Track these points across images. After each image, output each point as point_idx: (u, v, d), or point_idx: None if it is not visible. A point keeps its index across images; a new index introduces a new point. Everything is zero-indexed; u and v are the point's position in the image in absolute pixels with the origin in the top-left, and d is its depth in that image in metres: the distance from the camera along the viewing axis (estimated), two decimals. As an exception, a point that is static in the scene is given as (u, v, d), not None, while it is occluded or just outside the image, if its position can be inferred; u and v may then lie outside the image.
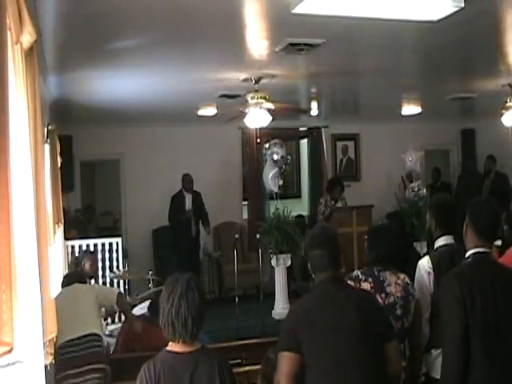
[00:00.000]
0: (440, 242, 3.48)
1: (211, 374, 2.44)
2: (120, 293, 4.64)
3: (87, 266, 5.48)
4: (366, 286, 3.38)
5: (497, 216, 2.89)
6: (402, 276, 3.50)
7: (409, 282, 3.49)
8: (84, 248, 7.27)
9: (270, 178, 8.12)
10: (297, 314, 2.75)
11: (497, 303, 2.61)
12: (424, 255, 3.67)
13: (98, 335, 4.33)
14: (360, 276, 3.44)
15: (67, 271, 5.08)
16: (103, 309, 4.88)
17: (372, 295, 3.23)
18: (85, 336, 4.22)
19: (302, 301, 2.99)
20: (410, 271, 3.58)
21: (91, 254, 6.46)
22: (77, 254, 6.58)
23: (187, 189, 8.69)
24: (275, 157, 8.12)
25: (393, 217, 5.95)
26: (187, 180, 8.68)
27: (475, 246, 2.75)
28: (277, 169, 8.14)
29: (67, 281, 4.74)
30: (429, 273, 3.36)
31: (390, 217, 5.96)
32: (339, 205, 8.67)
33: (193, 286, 2.47)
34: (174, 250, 8.59)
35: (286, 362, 2.57)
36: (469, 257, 2.76)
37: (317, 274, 2.81)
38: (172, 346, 2.48)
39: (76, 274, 4.94)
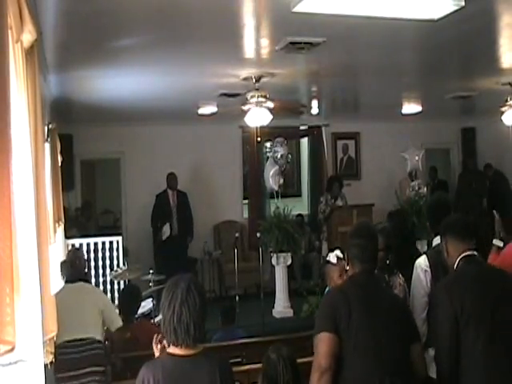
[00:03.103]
0: (436, 240, 3.48)
1: (212, 377, 2.42)
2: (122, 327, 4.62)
3: (79, 261, 5.47)
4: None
5: (470, 223, 2.99)
6: (400, 275, 3.56)
7: (404, 280, 3.56)
8: (84, 247, 7.28)
9: (271, 176, 8.14)
10: (335, 298, 2.77)
11: (489, 303, 2.64)
12: (422, 254, 3.68)
13: (97, 340, 4.33)
14: None
15: (66, 275, 5.03)
16: None
17: (400, 297, 3.31)
18: (85, 339, 4.21)
19: (340, 287, 2.99)
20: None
21: (77, 250, 6.48)
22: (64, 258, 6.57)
23: (171, 187, 8.75)
24: (277, 155, 8.15)
25: (394, 216, 5.94)
26: (171, 178, 8.75)
27: (460, 253, 2.80)
28: (277, 166, 8.16)
29: (71, 277, 4.69)
30: (425, 271, 3.37)
31: (392, 216, 5.95)
32: (339, 203, 8.69)
33: (193, 289, 2.42)
34: (158, 251, 8.62)
35: (324, 342, 2.60)
36: (458, 264, 2.80)
37: (355, 264, 2.82)
38: (173, 349, 2.45)
39: (78, 272, 4.88)
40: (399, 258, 3.66)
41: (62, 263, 5.23)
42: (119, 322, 4.62)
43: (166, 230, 8.53)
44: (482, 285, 2.71)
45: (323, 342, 2.60)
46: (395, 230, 5.44)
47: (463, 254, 2.79)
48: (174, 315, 2.38)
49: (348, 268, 2.90)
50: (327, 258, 4.05)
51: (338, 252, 3.98)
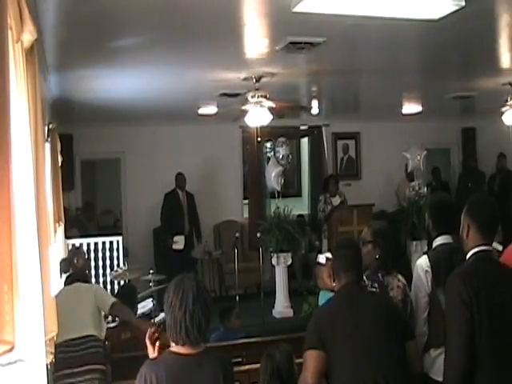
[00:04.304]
0: (438, 241, 3.46)
1: (216, 376, 2.44)
2: (115, 302, 4.63)
3: (80, 261, 5.47)
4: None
5: (496, 212, 2.86)
6: (400, 277, 3.54)
7: (405, 283, 3.53)
8: (84, 247, 7.29)
9: (274, 177, 8.16)
10: (321, 315, 2.90)
11: (503, 301, 2.60)
12: (423, 254, 3.66)
13: (96, 337, 4.33)
14: (366, 282, 3.45)
15: (65, 272, 5.05)
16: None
17: (389, 297, 3.34)
18: (83, 337, 4.22)
19: (328, 303, 3.09)
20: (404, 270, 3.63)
21: (78, 249, 6.48)
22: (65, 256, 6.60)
23: (181, 187, 8.75)
24: (279, 155, 8.17)
25: (378, 217, 5.96)
26: (181, 179, 8.76)
27: (477, 245, 2.70)
28: (280, 167, 8.18)
29: (69, 280, 4.74)
30: (426, 271, 3.35)
31: (376, 217, 5.97)
32: (338, 200, 8.71)
33: (201, 287, 2.45)
34: (166, 250, 8.62)
35: (311, 359, 2.70)
36: (470, 257, 2.73)
37: (341, 276, 2.95)
38: (177, 348, 2.44)
39: (76, 273, 4.93)
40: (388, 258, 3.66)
41: (62, 261, 5.24)
42: (111, 299, 4.61)
43: (180, 242, 8.49)
44: (498, 283, 2.64)
45: (310, 360, 2.70)
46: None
47: (479, 248, 2.71)
48: (187, 314, 2.37)
49: (335, 284, 2.99)
50: (317, 260, 4.10)
51: (328, 254, 4.02)
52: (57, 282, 4.57)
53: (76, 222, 8.39)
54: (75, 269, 5.18)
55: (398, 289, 3.44)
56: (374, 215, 6.20)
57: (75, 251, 6.01)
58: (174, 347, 2.46)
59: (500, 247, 3.89)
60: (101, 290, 4.88)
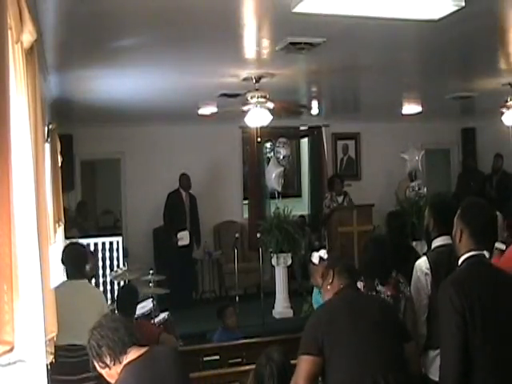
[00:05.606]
0: (437, 242, 3.44)
1: (173, 361, 2.59)
2: None
3: (87, 267, 5.33)
4: (358, 285, 3.31)
5: (494, 217, 2.83)
6: (393, 274, 3.52)
7: (400, 280, 3.51)
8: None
9: (274, 177, 8.18)
10: (319, 318, 2.86)
11: (497, 305, 2.59)
12: (422, 255, 3.64)
13: None
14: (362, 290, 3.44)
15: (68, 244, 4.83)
16: None
17: (387, 300, 3.34)
18: (82, 345, 4.14)
19: (325, 305, 3.07)
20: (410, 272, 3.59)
21: (92, 254, 6.43)
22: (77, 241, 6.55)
23: (185, 188, 8.75)
24: (280, 156, 8.18)
25: (394, 217, 5.95)
26: (185, 179, 8.76)
27: (470, 250, 2.67)
28: (282, 168, 8.20)
29: (71, 269, 4.44)
30: (426, 274, 3.33)
31: (392, 217, 5.96)
32: (344, 199, 8.73)
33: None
34: (170, 248, 8.62)
35: (305, 364, 2.68)
36: (462, 262, 2.69)
37: (341, 279, 2.95)
38: (128, 358, 2.49)
39: (79, 267, 4.67)
40: (396, 259, 3.66)
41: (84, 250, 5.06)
42: None
43: (184, 238, 8.51)
44: (491, 286, 2.62)
45: (304, 365, 2.69)
46: (395, 231, 5.48)
47: (472, 253, 2.70)
48: (114, 329, 2.57)
49: (331, 281, 2.96)
50: (311, 258, 4.08)
51: (321, 253, 4.00)
52: (56, 283, 4.49)
53: (76, 223, 8.40)
54: (73, 263, 5.07)
55: (387, 284, 3.45)
56: (390, 215, 6.12)
57: (69, 247, 5.91)
58: (124, 361, 2.49)
59: (503, 246, 3.88)
60: (107, 308, 4.74)
